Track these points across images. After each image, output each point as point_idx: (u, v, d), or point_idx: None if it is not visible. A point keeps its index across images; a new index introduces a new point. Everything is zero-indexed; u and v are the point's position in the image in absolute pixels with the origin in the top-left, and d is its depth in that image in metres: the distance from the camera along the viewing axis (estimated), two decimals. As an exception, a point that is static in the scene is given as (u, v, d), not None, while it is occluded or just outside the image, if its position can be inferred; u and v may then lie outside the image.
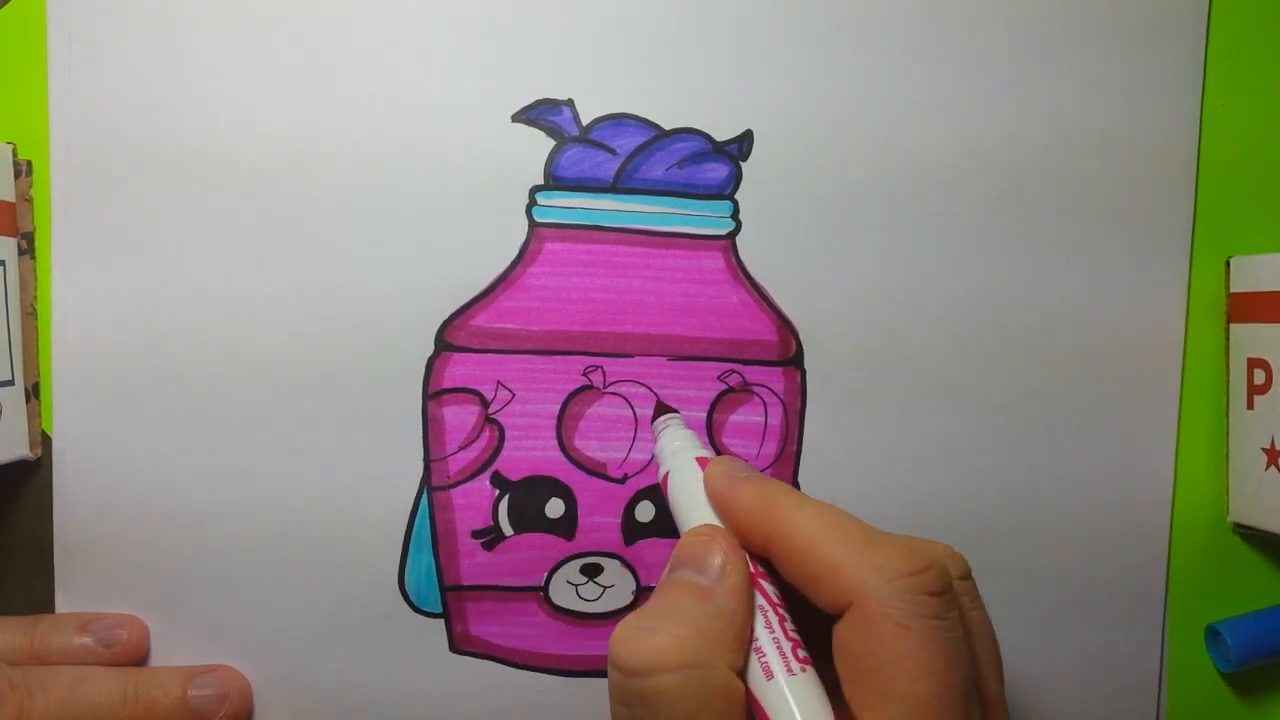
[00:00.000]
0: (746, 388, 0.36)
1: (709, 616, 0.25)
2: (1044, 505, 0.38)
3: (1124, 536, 0.38)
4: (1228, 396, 0.38)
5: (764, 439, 0.37)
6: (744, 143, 0.36)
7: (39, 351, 0.35)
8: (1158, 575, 0.38)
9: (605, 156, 0.36)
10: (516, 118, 0.36)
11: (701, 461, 0.31)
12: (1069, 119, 0.37)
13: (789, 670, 0.25)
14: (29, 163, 0.35)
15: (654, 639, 0.25)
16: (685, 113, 0.36)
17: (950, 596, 0.25)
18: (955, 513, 0.37)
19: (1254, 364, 0.37)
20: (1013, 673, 0.38)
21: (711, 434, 0.36)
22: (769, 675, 0.25)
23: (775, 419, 0.37)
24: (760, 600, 0.27)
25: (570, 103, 0.36)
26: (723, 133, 0.36)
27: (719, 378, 0.36)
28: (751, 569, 0.27)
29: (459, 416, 0.36)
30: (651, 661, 0.24)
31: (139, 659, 0.35)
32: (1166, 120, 0.38)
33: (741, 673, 0.25)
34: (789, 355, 0.37)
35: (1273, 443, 0.36)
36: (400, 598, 0.36)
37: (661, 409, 0.34)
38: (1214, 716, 0.39)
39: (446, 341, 0.36)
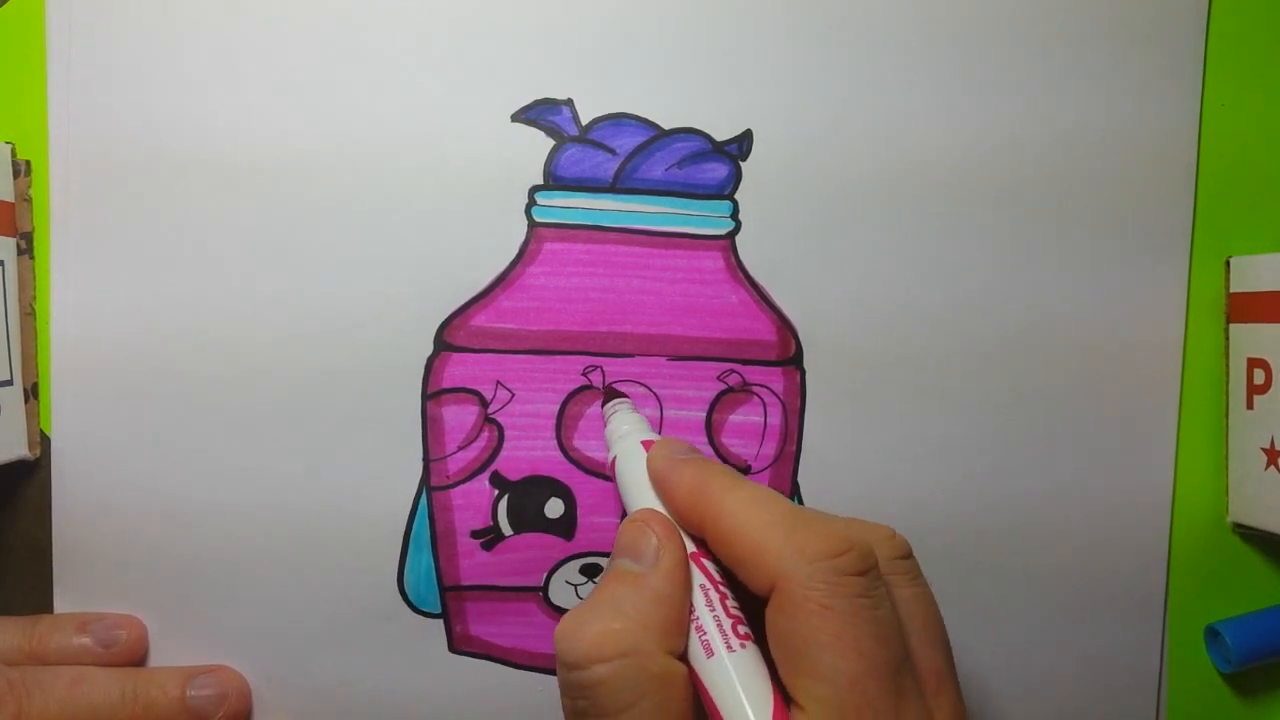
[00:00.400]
0: (746, 388, 0.36)
1: (645, 603, 0.26)
2: (1044, 505, 0.38)
3: (1124, 536, 0.38)
4: (1228, 396, 0.38)
5: (763, 439, 0.37)
6: (744, 142, 0.36)
7: (38, 351, 0.35)
8: (1158, 575, 0.38)
9: (605, 156, 0.36)
10: (516, 117, 0.36)
11: (647, 445, 0.31)
12: (1069, 119, 0.37)
13: (729, 647, 0.25)
14: (28, 163, 0.35)
15: (590, 630, 0.25)
16: (685, 112, 0.36)
17: (874, 575, 0.25)
18: (955, 513, 0.37)
19: (1254, 364, 0.37)
20: (1013, 673, 0.38)
21: (711, 434, 0.36)
22: (710, 653, 0.25)
23: (775, 419, 0.37)
24: (701, 579, 0.27)
25: (570, 102, 0.36)
26: (722, 132, 0.36)
27: (718, 378, 0.36)
28: (693, 549, 0.28)
29: (458, 416, 0.36)
30: (588, 653, 0.25)
31: (138, 659, 0.35)
32: (1166, 120, 0.37)
33: (683, 654, 0.26)
34: (788, 355, 0.36)
35: (1273, 443, 0.36)
36: (399, 598, 0.36)
37: (611, 394, 0.34)
38: (1214, 716, 0.39)
39: (446, 341, 0.36)
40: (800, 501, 0.37)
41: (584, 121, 0.36)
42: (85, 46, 0.35)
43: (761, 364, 0.36)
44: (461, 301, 0.36)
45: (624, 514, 0.32)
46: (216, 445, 0.35)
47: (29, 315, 0.35)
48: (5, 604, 0.36)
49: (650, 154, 0.36)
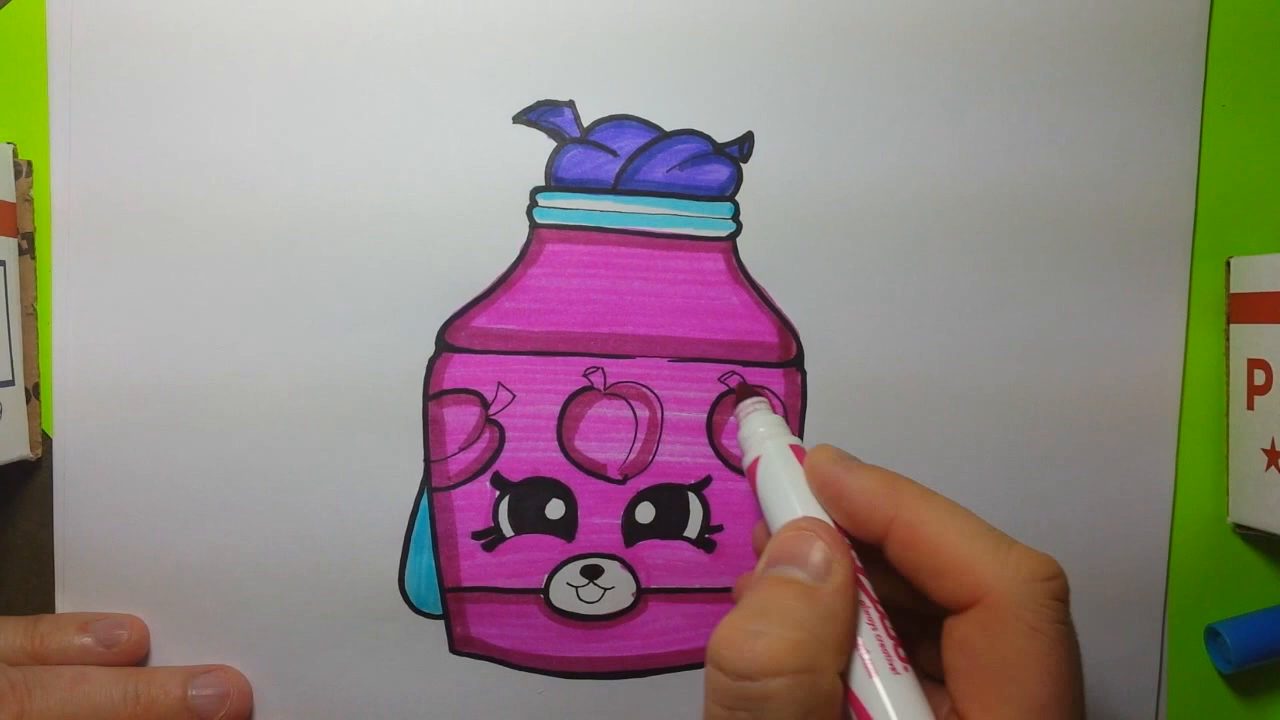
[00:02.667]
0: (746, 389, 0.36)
1: (817, 618, 0.25)
2: (1044, 505, 0.38)
3: (1124, 537, 0.38)
4: (1228, 397, 0.38)
5: (764, 440, 0.37)
6: (745, 144, 0.36)
7: (39, 352, 0.35)
8: (1158, 576, 0.38)
9: (606, 158, 0.36)
10: (518, 119, 0.36)
11: (795, 450, 0.30)
12: (1069, 121, 0.37)
13: (892, 669, 0.25)
14: (29, 163, 0.35)
15: (763, 642, 0.24)
16: (686, 114, 0.36)
17: (1068, 603, 0.25)
18: (955, 513, 0.37)
19: (1254, 364, 0.37)
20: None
21: (712, 435, 0.36)
22: (870, 674, 0.25)
23: (776, 420, 0.37)
24: (861, 597, 0.26)
25: (571, 104, 0.36)
26: (724, 134, 0.36)
27: (719, 379, 0.36)
28: (854, 563, 0.27)
29: (459, 417, 0.36)
30: (764, 665, 0.24)
31: (139, 659, 0.36)
32: (1167, 121, 0.37)
33: (844, 672, 0.25)
34: (789, 357, 0.36)
35: (1273, 443, 0.36)
36: (400, 598, 0.36)
37: (746, 391, 0.32)
38: (1214, 716, 0.39)
39: (447, 342, 0.36)
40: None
41: (585, 123, 0.36)
42: (86, 47, 0.35)
43: (762, 365, 0.36)
44: (463, 303, 0.36)
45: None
46: (217, 445, 0.35)
47: (30, 315, 0.35)
48: (7, 604, 0.36)
49: (652, 155, 0.36)
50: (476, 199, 0.35)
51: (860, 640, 0.25)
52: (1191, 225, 0.38)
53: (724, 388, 0.36)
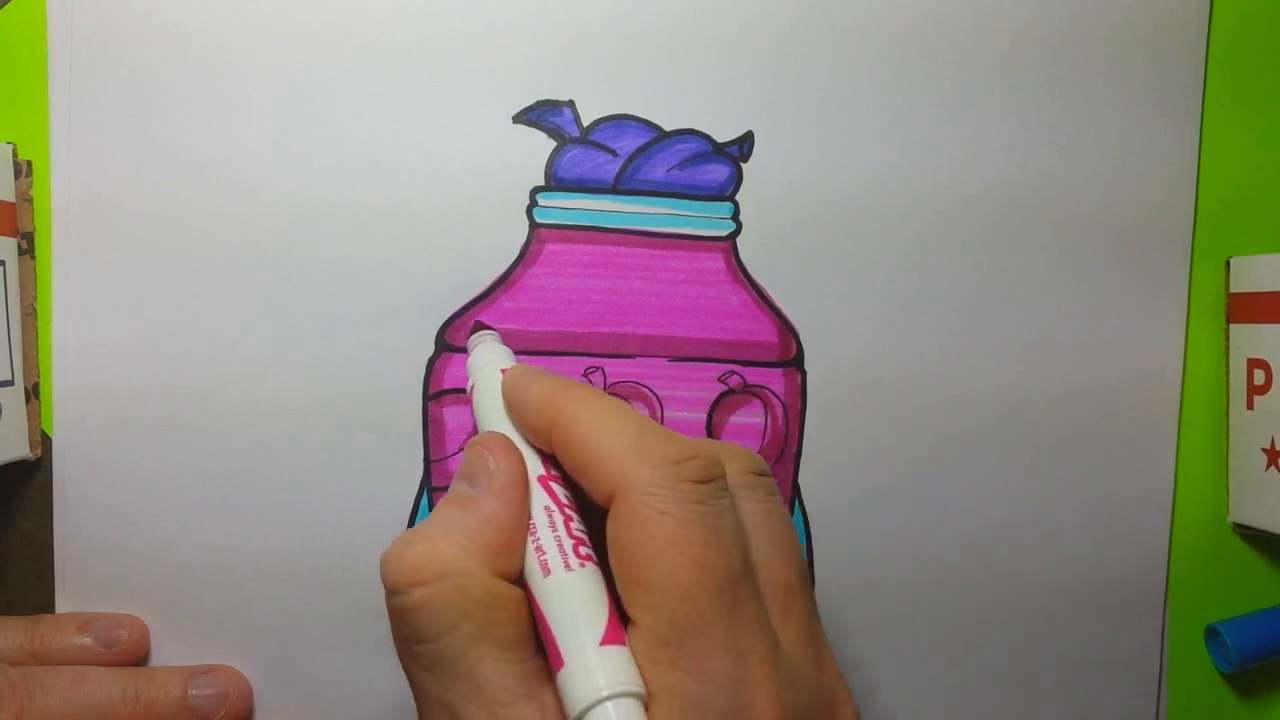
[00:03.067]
0: (747, 389, 0.36)
1: (472, 525, 0.25)
2: (1044, 505, 0.38)
3: (1124, 536, 0.38)
4: (1228, 397, 0.38)
5: (764, 440, 0.37)
6: (745, 144, 0.36)
7: (39, 352, 0.35)
8: (1158, 575, 0.38)
9: (606, 157, 0.36)
10: (517, 119, 0.36)
11: (506, 373, 0.30)
12: (1069, 120, 0.37)
13: (566, 566, 0.25)
14: (29, 163, 0.35)
15: (410, 553, 0.24)
16: (686, 114, 0.36)
17: (718, 485, 0.24)
18: (955, 514, 0.37)
19: (1254, 364, 0.37)
20: (1012, 673, 0.38)
21: (712, 435, 0.36)
22: (546, 572, 0.25)
23: (775, 420, 0.37)
24: (546, 500, 0.26)
25: (571, 104, 0.36)
26: (723, 134, 0.36)
27: (719, 379, 0.36)
28: (542, 471, 0.27)
29: (459, 417, 0.36)
30: (408, 576, 0.24)
31: (139, 659, 0.35)
32: (1167, 121, 0.37)
33: (517, 576, 0.25)
34: (789, 357, 0.36)
35: (1273, 443, 0.36)
36: (401, 598, 0.36)
37: (478, 327, 0.34)
38: (1214, 716, 0.39)
39: (447, 342, 0.36)
40: (801, 502, 0.37)
41: (585, 123, 0.36)
42: (86, 47, 0.35)
43: (762, 365, 0.36)
44: (463, 302, 0.36)
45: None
46: (217, 445, 0.35)
47: (30, 315, 0.35)
48: (6, 604, 0.36)
49: (651, 155, 0.36)
50: (476, 199, 0.35)
51: (540, 542, 0.25)
52: (1191, 225, 0.38)
53: (724, 387, 0.36)
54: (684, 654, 0.23)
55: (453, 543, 0.25)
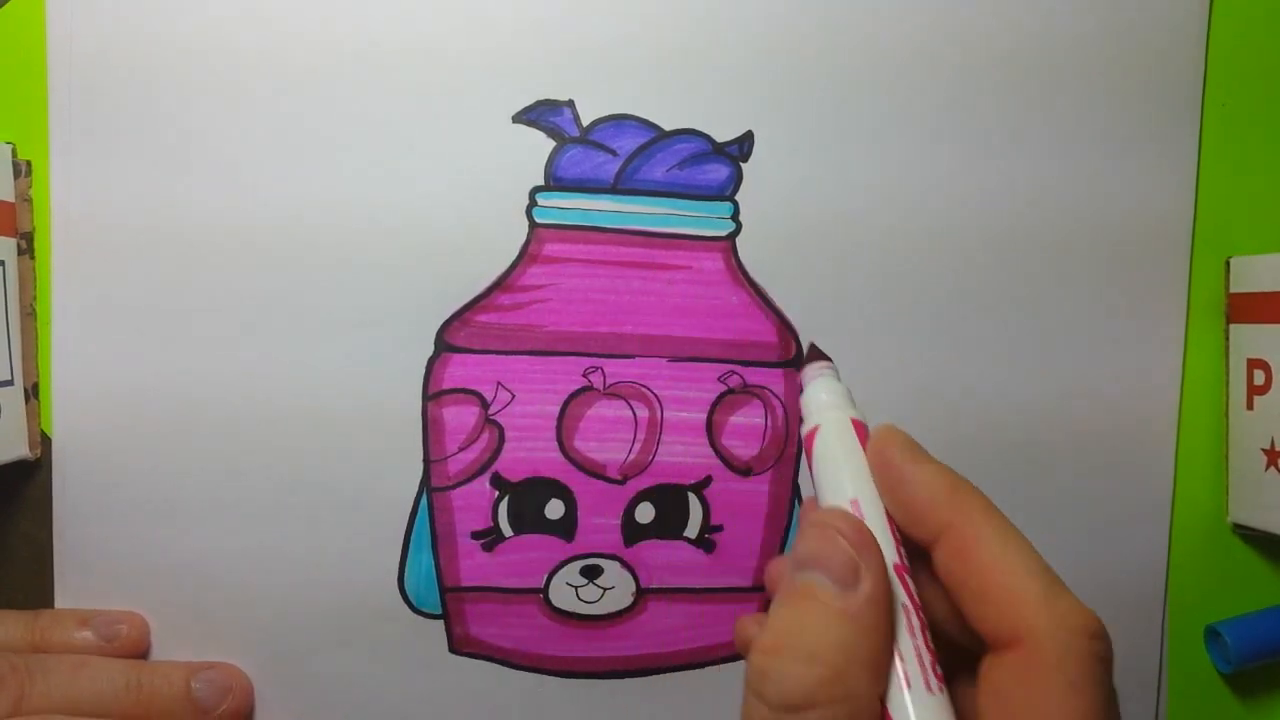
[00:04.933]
0: (746, 389, 0.36)
1: (855, 639, 0.23)
2: (1044, 505, 0.38)
3: (1124, 537, 0.38)
4: (1228, 397, 0.38)
5: (764, 440, 0.37)
6: (744, 144, 0.36)
7: (38, 352, 0.35)
8: (1158, 576, 0.38)
9: (605, 157, 0.36)
10: (517, 118, 0.36)
11: (856, 425, 0.27)
12: (1069, 122, 0.37)
13: (928, 687, 0.23)
14: (29, 163, 0.35)
15: (809, 672, 0.22)
16: (686, 113, 0.36)
17: (1112, 671, 0.24)
18: (955, 513, 0.37)
19: (1254, 364, 0.37)
20: (1012, 673, 0.38)
21: (712, 435, 0.36)
22: (904, 688, 0.23)
23: (775, 420, 0.37)
24: (903, 597, 0.24)
25: (571, 103, 0.36)
26: (723, 134, 0.36)
27: (719, 379, 0.36)
28: (896, 559, 0.24)
29: (459, 417, 0.36)
30: (810, 697, 0.22)
31: (139, 655, 0.35)
32: (1166, 121, 0.37)
33: (883, 693, 0.23)
34: (789, 356, 0.36)
35: (1273, 443, 0.36)
36: (400, 598, 0.36)
37: (814, 353, 0.29)
38: (1214, 716, 0.39)
39: (446, 342, 0.36)
40: (799, 502, 0.37)
41: (585, 122, 0.36)
42: (86, 46, 0.35)
43: (762, 365, 0.36)
44: (462, 302, 0.36)
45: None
46: (217, 445, 0.35)
47: (29, 315, 0.35)
48: (6, 604, 0.36)
49: (651, 155, 0.36)
50: (476, 199, 0.35)
51: (898, 649, 0.23)
52: (1191, 225, 0.38)
53: (724, 387, 0.36)
54: None
55: (844, 660, 0.22)
